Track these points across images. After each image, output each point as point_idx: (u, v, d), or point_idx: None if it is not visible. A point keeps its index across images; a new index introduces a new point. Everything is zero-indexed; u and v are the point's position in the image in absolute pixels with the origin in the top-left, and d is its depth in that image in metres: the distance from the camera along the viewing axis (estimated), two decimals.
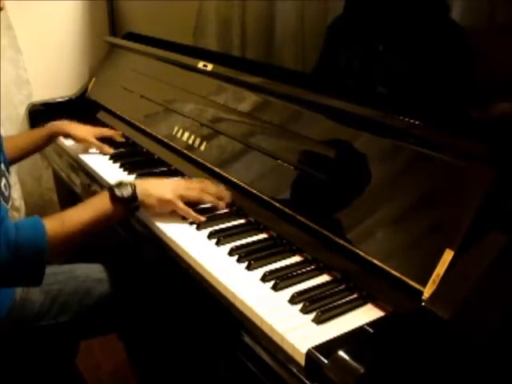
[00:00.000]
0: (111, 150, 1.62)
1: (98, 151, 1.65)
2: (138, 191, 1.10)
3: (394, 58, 1.05)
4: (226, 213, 1.20)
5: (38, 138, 1.59)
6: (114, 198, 1.07)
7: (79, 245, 1.11)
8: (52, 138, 1.63)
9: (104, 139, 1.67)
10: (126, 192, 1.08)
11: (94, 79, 2.08)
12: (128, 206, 1.09)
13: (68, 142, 1.71)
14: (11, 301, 1.16)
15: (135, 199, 1.09)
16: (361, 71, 1.12)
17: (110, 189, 1.08)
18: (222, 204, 1.19)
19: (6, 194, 1.18)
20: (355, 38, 1.13)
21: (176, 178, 1.26)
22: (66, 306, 1.19)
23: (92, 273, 1.27)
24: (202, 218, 1.15)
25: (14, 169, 1.98)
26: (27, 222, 0.99)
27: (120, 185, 1.09)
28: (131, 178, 1.44)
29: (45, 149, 1.77)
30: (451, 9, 0.95)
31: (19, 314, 1.15)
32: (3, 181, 1.18)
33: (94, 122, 1.87)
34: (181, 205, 1.14)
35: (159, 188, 1.14)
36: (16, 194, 1.99)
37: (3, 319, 1.13)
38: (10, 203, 1.20)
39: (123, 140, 1.72)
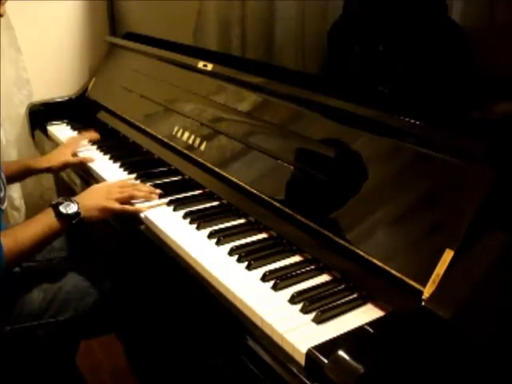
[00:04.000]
0: (93, 159, 1.59)
1: (96, 150, 1.66)
2: (81, 208, 1.18)
3: (394, 58, 1.05)
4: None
5: (10, 173, 1.49)
6: (58, 214, 1.15)
7: (31, 258, 1.24)
8: (26, 175, 1.58)
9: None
10: (70, 209, 1.16)
11: (93, 79, 2.08)
12: (71, 221, 1.16)
13: (62, 135, 1.74)
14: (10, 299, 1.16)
15: (78, 215, 1.17)
16: (361, 71, 1.12)
17: (55, 206, 1.16)
18: (154, 196, 1.29)
19: (1, 194, 1.19)
20: (356, 37, 1.13)
21: (109, 183, 1.34)
22: (66, 304, 1.20)
23: (91, 272, 1.27)
24: (144, 208, 1.24)
25: None
26: None
27: (64, 202, 1.17)
28: (131, 177, 1.44)
29: (45, 149, 1.78)
30: (451, 9, 0.95)
31: (19, 313, 1.15)
32: None
33: (94, 121, 1.88)
34: (117, 206, 1.22)
35: (95, 197, 1.23)
36: (16, 194, 2.00)
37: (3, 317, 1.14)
38: (4, 204, 1.21)
39: (96, 136, 1.73)
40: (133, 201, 1.27)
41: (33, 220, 1.15)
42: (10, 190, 1.97)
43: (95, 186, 1.31)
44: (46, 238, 1.14)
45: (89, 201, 1.21)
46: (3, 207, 1.19)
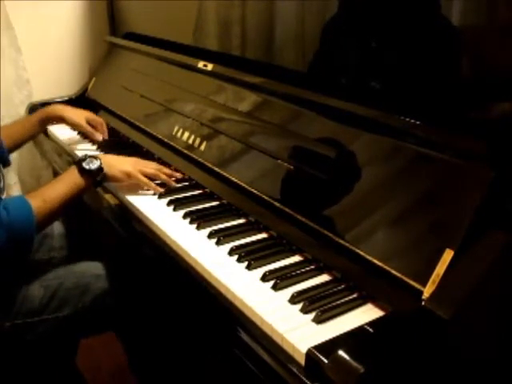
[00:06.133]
0: (100, 137, 1.67)
1: (96, 151, 1.66)
2: (103, 164, 1.23)
3: (394, 58, 1.05)
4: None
5: (32, 125, 1.61)
6: (82, 170, 1.20)
7: (59, 217, 1.29)
8: (45, 122, 1.65)
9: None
10: (93, 165, 1.21)
11: (94, 79, 2.08)
12: (95, 177, 1.22)
13: (62, 135, 1.75)
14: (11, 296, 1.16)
15: (101, 171, 1.23)
16: (361, 71, 1.12)
17: (78, 163, 1.20)
18: (173, 183, 1.35)
19: (1, 185, 1.19)
20: (356, 37, 1.13)
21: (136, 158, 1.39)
22: (66, 300, 1.20)
23: (91, 269, 1.28)
24: (161, 189, 1.30)
25: (13, 168, 1.98)
26: (15, 202, 1.09)
27: (86, 159, 1.21)
28: None
29: (45, 149, 1.78)
30: (451, 8, 0.95)
31: (20, 309, 1.15)
32: None
33: None
34: (141, 177, 1.29)
35: (121, 162, 1.30)
36: (16, 194, 2.00)
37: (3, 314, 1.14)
38: (4, 194, 1.21)
39: (105, 133, 1.73)
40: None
41: (58, 179, 1.20)
42: (10, 190, 1.98)
43: (122, 156, 1.37)
44: (73, 195, 1.18)
45: (114, 161, 1.28)
46: (3, 196, 1.20)
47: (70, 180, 1.18)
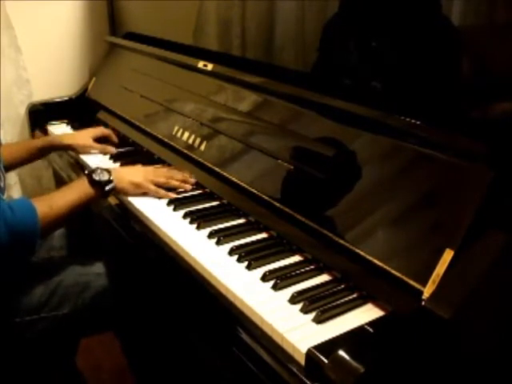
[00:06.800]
0: (113, 150, 1.65)
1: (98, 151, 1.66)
2: (113, 176, 1.24)
3: (394, 58, 1.05)
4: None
5: (34, 150, 1.57)
6: (92, 181, 1.20)
7: (64, 224, 1.29)
8: (47, 151, 1.62)
9: (101, 140, 1.69)
10: (104, 177, 1.22)
11: (94, 79, 2.08)
12: (104, 188, 1.22)
13: None
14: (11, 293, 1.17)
15: (111, 183, 1.23)
16: (361, 71, 1.12)
17: (88, 174, 1.21)
18: (188, 187, 1.33)
19: (1, 184, 1.19)
20: (356, 37, 1.13)
21: (148, 167, 1.39)
22: (65, 298, 1.20)
23: (91, 267, 1.28)
24: (172, 195, 1.29)
25: None
26: (20, 204, 1.08)
27: (97, 170, 1.22)
28: None
29: None
30: (451, 8, 0.95)
31: (19, 307, 1.15)
32: None
33: (94, 121, 1.88)
34: (151, 187, 1.29)
35: (131, 173, 1.31)
36: (16, 194, 2.00)
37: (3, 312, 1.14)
38: (4, 195, 1.21)
39: (116, 141, 1.72)
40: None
41: (67, 187, 1.21)
42: (10, 190, 1.97)
43: (133, 166, 1.40)
44: (80, 204, 1.18)
45: (124, 173, 1.29)
46: (4, 196, 1.20)
47: (80, 189, 1.18)
